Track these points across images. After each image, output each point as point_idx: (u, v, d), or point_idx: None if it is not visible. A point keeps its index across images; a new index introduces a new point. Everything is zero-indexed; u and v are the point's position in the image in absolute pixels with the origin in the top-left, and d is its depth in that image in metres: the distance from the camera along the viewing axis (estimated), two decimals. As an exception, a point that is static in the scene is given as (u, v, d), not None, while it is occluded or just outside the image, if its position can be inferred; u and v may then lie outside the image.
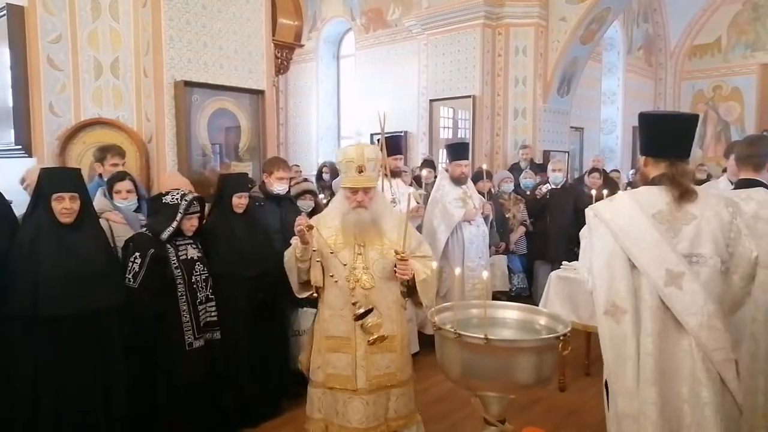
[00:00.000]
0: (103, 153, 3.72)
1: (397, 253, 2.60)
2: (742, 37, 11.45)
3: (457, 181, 4.86)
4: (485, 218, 4.99)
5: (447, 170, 5.03)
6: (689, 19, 11.92)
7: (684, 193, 2.06)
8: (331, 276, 2.64)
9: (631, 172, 7.88)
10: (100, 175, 3.71)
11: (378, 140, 5.00)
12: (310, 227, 2.56)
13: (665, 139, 2.15)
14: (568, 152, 9.01)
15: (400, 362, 2.73)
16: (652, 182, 2.15)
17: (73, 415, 2.64)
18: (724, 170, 5.56)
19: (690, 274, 2.00)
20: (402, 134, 9.28)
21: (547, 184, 5.83)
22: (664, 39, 12.26)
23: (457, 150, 5.07)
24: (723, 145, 11.52)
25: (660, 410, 1.99)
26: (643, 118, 2.21)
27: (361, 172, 2.61)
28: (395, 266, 2.62)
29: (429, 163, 6.82)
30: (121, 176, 3.44)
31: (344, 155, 2.66)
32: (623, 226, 2.09)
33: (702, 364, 1.99)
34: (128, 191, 3.39)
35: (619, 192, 2.55)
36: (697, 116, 2.26)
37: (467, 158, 5.06)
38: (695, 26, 11.99)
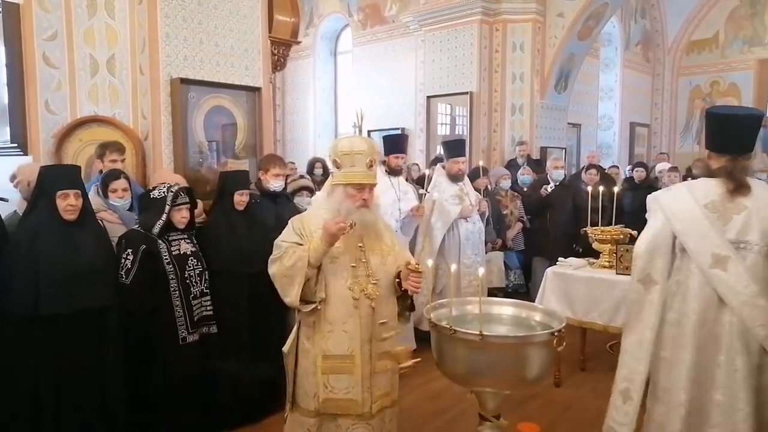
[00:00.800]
0: (103, 149, 3.72)
1: (409, 264, 2.37)
2: (740, 32, 11.45)
3: (454, 178, 4.87)
4: (481, 215, 5.00)
5: (444, 167, 5.04)
6: (687, 14, 11.92)
7: (738, 187, 2.25)
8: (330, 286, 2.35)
9: (629, 168, 7.88)
10: (101, 172, 3.71)
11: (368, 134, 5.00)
12: (352, 224, 2.26)
13: (727, 134, 2.32)
14: (565, 148, 9.02)
15: (395, 380, 2.54)
16: (711, 174, 2.36)
17: (72, 413, 2.66)
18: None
19: (736, 258, 2.22)
20: (403, 132, 9.28)
21: (551, 184, 5.84)
22: (661, 34, 12.25)
23: (455, 147, 5.07)
24: (720, 140, 11.55)
25: (690, 373, 2.28)
26: (709, 114, 2.38)
27: (371, 166, 2.36)
28: (401, 277, 2.39)
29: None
30: (116, 174, 3.42)
31: (350, 146, 2.37)
32: (676, 212, 2.36)
33: (740, 337, 2.20)
34: (124, 190, 3.38)
35: (678, 183, 3.09)
36: (760, 115, 2.42)
37: (464, 155, 5.06)
38: (693, 21, 11.99)
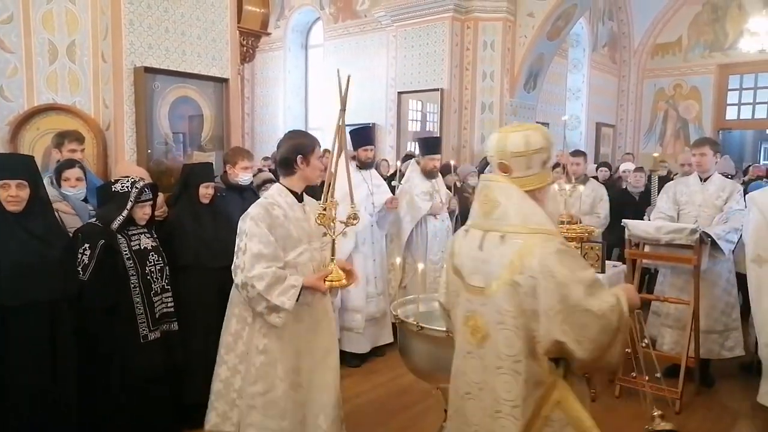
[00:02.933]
0: (61, 138, 3.58)
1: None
2: (702, 37, 11.79)
3: (428, 174, 4.89)
4: (451, 213, 5.03)
5: (418, 162, 5.05)
6: (653, 17, 12.21)
7: None
8: None
9: (594, 166, 8.03)
10: (59, 161, 3.57)
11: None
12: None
13: None
14: (563, 146, 9.13)
15: None
16: None
17: (23, 408, 2.56)
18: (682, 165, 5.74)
19: None
20: (371, 125, 9.25)
21: None
22: (628, 37, 12.52)
23: (431, 144, 5.08)
24: (682, 142, 11.89)
25: None
26: None
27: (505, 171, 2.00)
28: None
29: (410, 158, 6.73)
30: (71, 163, 3.29)
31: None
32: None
33: None
34: (77, 179, 3.24)
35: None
36: None
37: (440, 153, 5.08)
38: (658, 25, 12.28)
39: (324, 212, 2.34)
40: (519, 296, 1.72)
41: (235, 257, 2.49)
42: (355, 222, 2.45)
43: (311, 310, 2.62)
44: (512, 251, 1.75)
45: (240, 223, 2.51)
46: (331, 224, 2.38)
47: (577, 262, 1.76)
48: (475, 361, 1.87)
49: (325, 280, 2.46)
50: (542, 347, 1.72)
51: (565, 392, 1.78)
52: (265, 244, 2.42)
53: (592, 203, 5.20)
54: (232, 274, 2.49)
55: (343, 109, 2.52)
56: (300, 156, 2.54)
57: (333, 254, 2.48)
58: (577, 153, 5.46)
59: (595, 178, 7.01)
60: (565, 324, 1.66)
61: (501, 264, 1.77)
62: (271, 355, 2.53)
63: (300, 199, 2.63)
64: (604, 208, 5.21)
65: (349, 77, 2.49)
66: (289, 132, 2.76)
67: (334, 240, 2.44)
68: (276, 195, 2.57)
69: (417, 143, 5.47)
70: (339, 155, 2.44)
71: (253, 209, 2.51)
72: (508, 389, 1.77)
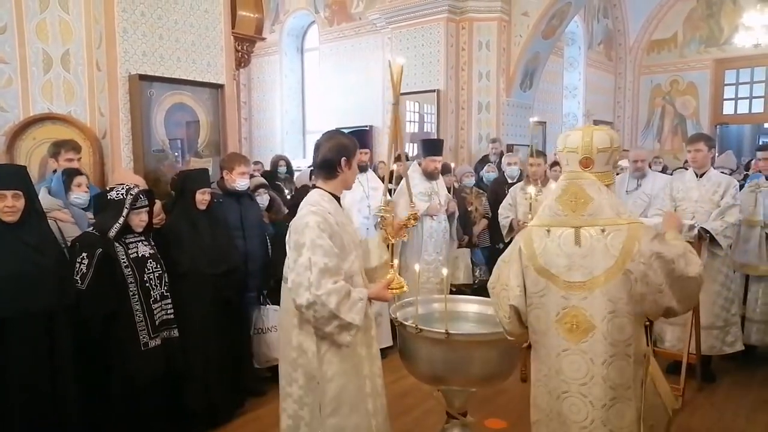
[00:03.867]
0: (58, 148, 3.58)
1: None
2: (697, 33, 11.79)
3: (429, 175, 4.89)
4: (450, 215, 5.02)
5: (419, 163, 5.05)
6: (647, 14, 12.21)
7: None
8: None
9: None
10: (55, 171, 3.57)
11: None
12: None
13: None
14: (531, 146, 9.13)
15: None
16: None
17: (23, 418, 2.55)
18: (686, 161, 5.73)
19: None
20: (367, 128, 9.26)
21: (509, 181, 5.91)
22: (623, 34, 12.53)
23: (434, 146, 5.10)
24: (680, 138, 11.89)
25: None
26: None
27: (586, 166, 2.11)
28: None
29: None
30: (79, 171, 3.39)
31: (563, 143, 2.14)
32: None
33: None
34: (88, 186, 3.34)
35: None
36: None
37: (441, 155, 5.09)
38: (653, 21, 12.29)
39: (386, 215, 2.26)
40: (630, 283, 1.87)
41: (290, 274, 2.21)
42: (414, 223, 2.36)
43: (367, 321, 2.38)
44: (619, 242, 1.88)
45: (293, 235, 2.23)
46: (390, 228, 2.31)
47: (669, 240, 1.98)
48: (575, 356, 1.92)
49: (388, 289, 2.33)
50: (653, 316, 1.97)
51: (653, 360, 1.99)
52: (329, 256, 2.16)
53: None
54: (293, 294, 2.18)
55: (396, 103, 2.44)
56: (344, 158, 2.32)
57: (393, 260, 2.39)
58: (538, 153, 5.21)
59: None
60: (672, 292, 1.89)
61: (608, 255, 1.89)
62: (340, 379, 2.28)
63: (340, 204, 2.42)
64: None
65: (401, 68, 2.43)
66: (329, 132, 2.47)
67: (392, 244, 2.34)
68: (322, 201, 2.29)
69: (419, 144, 5.49)
70: (400, 151, 2.37)
71: (310, 218, 2.20)
72: (621, 374, 1.89)
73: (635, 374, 1.90)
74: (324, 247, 2.16)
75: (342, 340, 2.20)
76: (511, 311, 2.07)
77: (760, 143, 14.36)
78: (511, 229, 5.01)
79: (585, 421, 1.90)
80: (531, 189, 4.21)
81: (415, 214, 2.32)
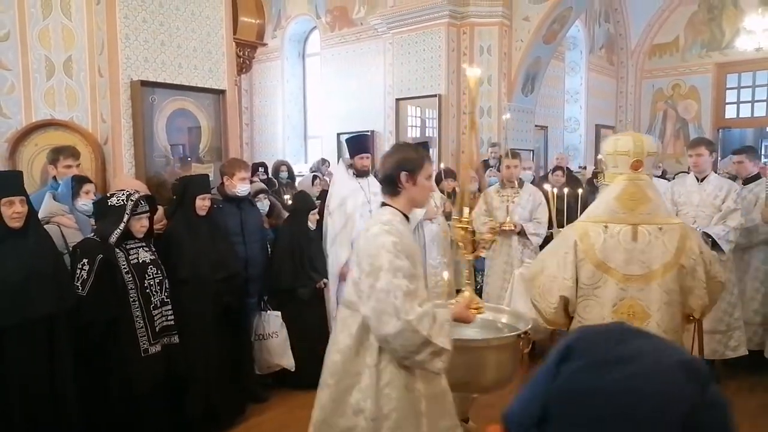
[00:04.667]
0: (56, 154, 3.59)
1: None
2: (699, 37, 11.78)
3: None
4: (446, 216, 5.01)
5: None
6: (648, 18, 12.21)
7: None
8: None
9: (591, 168, 8.05)
10: (54, 178, 3.58)
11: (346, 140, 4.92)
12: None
13: None
14: (533, 150, 9.13)
15: None
16: None
17: (24, 425, 2.55)
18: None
19: None
20: (368, 133, 9.26)
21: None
22: (625, 38, 12.53)
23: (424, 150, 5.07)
24: (682, 142, 11.86)
25: None
26: None
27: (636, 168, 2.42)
28: None
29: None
30: (88, 179, 3.43)
31: (614, 147, 2.37)
32: None
33: None
34: (95, 194, 3.37)
35: None
36: None
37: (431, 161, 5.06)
38: (654, 26, 12.28)
39: (466, 227, 2.13)
40: (682, 276, 2.15)
41: (366, 303, 1.99)
42: (493, 237, 2.24)
43: None
44: (675, 239, 2.14)
45: (366, 259, 2.02)
46: (468, 243, 2.16)
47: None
48: None
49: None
50: (697, 312, 2.24)
51: None
52: (409, 278, 1.98)
53: (531, 209, 4.78)
54: (374, 323, 1.96)
55: (471, 112, 2.42)
56: (405, 173, 2.11)
57: (469, 278, 2.31)
58: (513, 154, 4.97)
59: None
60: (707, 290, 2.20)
61: (666, 251, 2.14)
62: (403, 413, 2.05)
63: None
64: (543, 213, 4.73)
65: (478, 79, 2.26)
66: (396, 144, 2.34)
67: (471, 259, 2.22)
68: (394, 220, 2.10)
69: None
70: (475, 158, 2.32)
71: (385, 238, 2.01)
72: None
73: None
74: (404, 268, 1.98)
75: (435, 367, 2.00)
76: (560, 301, 2.24)
77: (763, 147, 14.35)
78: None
79: None
80: (507, 190, 4.25)
81: (495, 229, 2.22)
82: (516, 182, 4.75)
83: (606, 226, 2.19)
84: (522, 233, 4.65)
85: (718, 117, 11.83)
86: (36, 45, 3.98)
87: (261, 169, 6.63)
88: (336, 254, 4.32)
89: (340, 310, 2.18)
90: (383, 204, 2.20)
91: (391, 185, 2.15)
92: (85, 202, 3.28)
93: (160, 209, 3.47)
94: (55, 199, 3.24)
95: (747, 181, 4.41)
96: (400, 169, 2.12)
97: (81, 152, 3.80)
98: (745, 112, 11.79)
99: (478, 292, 5.72)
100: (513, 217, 4.56)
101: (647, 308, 2.13)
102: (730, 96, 11.81)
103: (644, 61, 12.58)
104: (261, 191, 4.24)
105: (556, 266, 2.22)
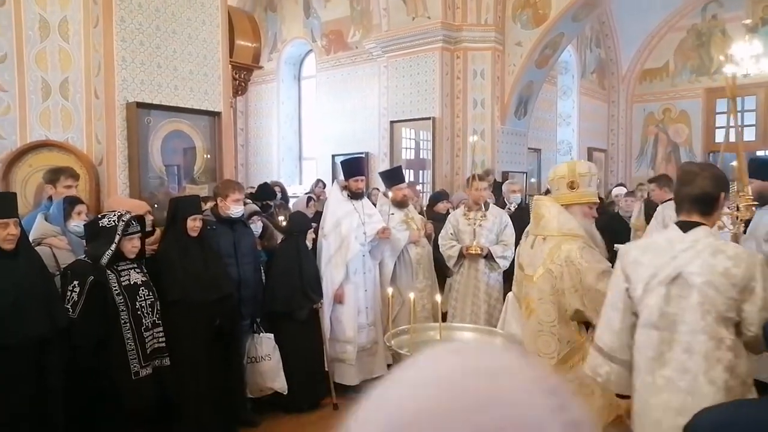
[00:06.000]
0: (56, 175, 3.58)
1: None
2: (688, 62, 12.00)
3: (399, 204, 4.84)
4: (428, 237, 4.99)
5: (386, 195, 5.00)
6: (639, 44, 12.44)
7: None
8: None
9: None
10: (50, 198, 3.56)
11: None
12: None
13: None
14: (526, 173, 9.20)
15: None
16: None
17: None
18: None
19: None
20: (363, 155, 9.30)
21: (508, 206, 5.91)
22: (616, 63, 12.74)
23: (393, 175, 4.95)
24: (673, 165, 11.98)
25: None
26: None
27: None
28: None
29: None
30: (80, 200, 3.40)
31: (588, 168, 2.80)
32: None
33: None
34: (87, 214, 3.35)
35: None
36: None
37: (404, 181, 5.02)
38: (644, 51, 12.51)
39: None
40: (553, 279, 2.51)
41: (757, 314, 1.90)
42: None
43: None
44: (549, 247, 2.62)
45: (744, 273, 1.90)
46: None
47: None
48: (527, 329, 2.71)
49: None
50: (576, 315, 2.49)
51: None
52: None
53: (497, 232, 4.65)
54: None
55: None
56: (723, 193, 2.07)
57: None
58: (481, 177, 4.91)
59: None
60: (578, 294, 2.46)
61: (542, 257, 2.62)
62: None
63: None
64: (510, 236, 4.62)
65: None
66: (699, 164, 2.29)
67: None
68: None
69: (382, 177, 5.31)
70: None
71: (745, 251, 2.06)
72: (546, 346, 2.55)
73: (561, 350, 2.56)
74: None
75: None
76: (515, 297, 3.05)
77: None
78: (460, 256, 4.60)
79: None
80: (473, 213, 4.36)
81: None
82: (483, 205, 4.66)
83: (527, 236, 2.76)
84: (489, 256, 4.54)
85: (709, 141, 11.98)
86: (33, 66, 4.01)
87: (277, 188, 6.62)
88: (331, 275, 4.31)
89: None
90: (685, 223, 2.08)
91: (707, 204, 2.06)
92: (77, 223, 3.26)
93: (158, 231, 3.46)
94: (47, 220, 3.22)
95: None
96: (720, 189, 2.06)
97: (75, 173, 3.79)
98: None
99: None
100: (479, 240, 4.50)
101: (532, 302, 2.60)
102: (720, 120, 11.99)
103: (635, 85, 12.78)
104: (254, 213, 4.24)
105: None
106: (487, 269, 4.58)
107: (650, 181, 5.28)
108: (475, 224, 4.55)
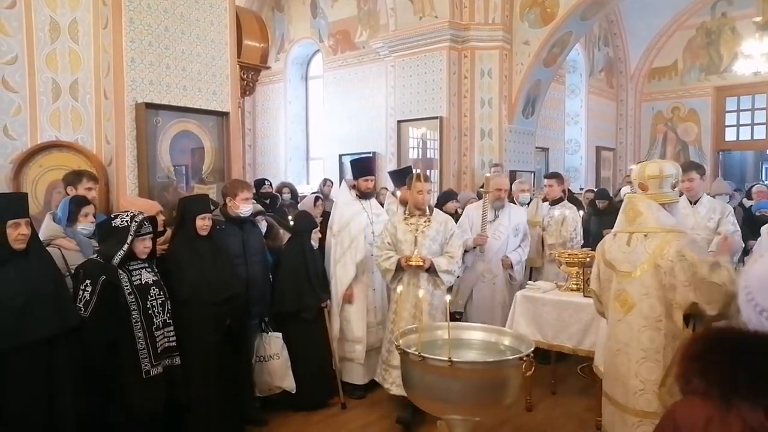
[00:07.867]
0: (78, 177, 3.59)
1: None
2: (697, 61, 11.91)
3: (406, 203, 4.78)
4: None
5: (394, 194, 4.95)
6: (647, 43, 12.36)
7: None
8: None
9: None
10: None
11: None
12: None
13: None
14: (533, 172, 9.17)
15: None
16: None
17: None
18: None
19: None
20: (371, 154, 9.32)
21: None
22: (624, 62, 12.67)
23: (401, 176, 4.83)
24: (682, 164, 11.90)
25: None
26: None
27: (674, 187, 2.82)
28: None
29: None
30: (86, 200, 3.38)
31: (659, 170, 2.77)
32: None
33: None
34: (94, 215, 3.35)
35: None
36: None
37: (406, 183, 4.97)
38: (653, 50, 12.43)
39: None
40: (660, 274, 2.52)
41: None
42: None
43: None
44: (654, 244, 2.60)
45: None
46: None
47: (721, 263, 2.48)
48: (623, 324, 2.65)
49: None
50: (687, 306, 2.44)
51: None
52: None
53: (442, 242, 3.94)
54: None
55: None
56: None
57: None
58: (425, 177, 4.09)
59: (595, 203, 7.01)
60: (691, 287, 2.43)
61: (645, 254, 2.60)
62: None
63: None
64: (456, 246, 3.96)
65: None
66: None
67: None
68: None
69: (391, 176, 5.21)
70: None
71: None
72: (651, 341, 2.54)
73: (666, 344, 2.49)
74: None
75: None
76: (593, 292, 2.88)
77: (764, 169, 14.37)
78: (398, 269, 3.84)
79: (626, 371, 2.60)
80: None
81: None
82: (426, 209, 3.93)
83: (615, 235, 2.75)
84: (431, 270, 3.79)
85: (718, 139, 11.90)
86: (43, 68, 4.04)
87: (267, 183, 6.72)
88: (340, 275, 4.31)
89: None
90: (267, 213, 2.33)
91: None
92: (84, 225, 3.25)
93: (169, 231, 3.47)
94: (54, 221, 3.24)
95: (554, 202, 5.45)
96: None
97: (84, 173, 3.81)
98: (745, 134, 11.86)
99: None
100: (421, 250, 3.76)
101: (632, 298, 2.60)
102: (730, 119, 11.90)
103: (643, 84, 12.70)
104: (259, 213, 4.26)
105: (594, 266, 2.90)
106: (430, 285, 3.82)
107: (546, 177, 5.57)
108: (416, 231, 3.83)
